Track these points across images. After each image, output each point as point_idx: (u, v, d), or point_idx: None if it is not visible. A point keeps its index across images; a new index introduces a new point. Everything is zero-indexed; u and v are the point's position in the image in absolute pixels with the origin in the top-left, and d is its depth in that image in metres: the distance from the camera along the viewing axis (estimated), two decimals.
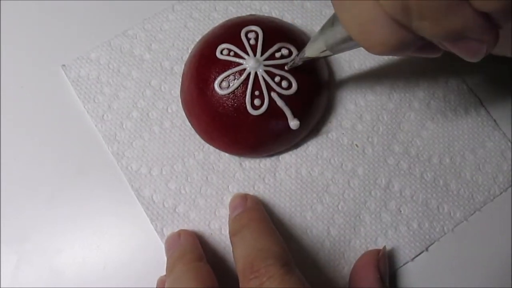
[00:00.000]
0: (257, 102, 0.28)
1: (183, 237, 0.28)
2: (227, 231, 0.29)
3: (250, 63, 0.28)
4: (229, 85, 0.28)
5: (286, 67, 0.29)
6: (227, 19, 0.34)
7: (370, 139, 0.32)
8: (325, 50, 0.24)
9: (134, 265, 0.28)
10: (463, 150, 0.32)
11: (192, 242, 0.28)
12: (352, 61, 0.33)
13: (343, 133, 0.32)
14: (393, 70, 0.33)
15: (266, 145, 0.30)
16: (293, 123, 0.28)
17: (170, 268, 0.26)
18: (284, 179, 0.31)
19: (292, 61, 0.28)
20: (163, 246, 0.29)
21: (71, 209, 0.30)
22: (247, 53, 0.29)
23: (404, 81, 0.33)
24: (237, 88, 0.28)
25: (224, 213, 0.30)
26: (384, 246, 0.29)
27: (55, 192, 0.31)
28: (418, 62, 0.33)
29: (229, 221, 0.28)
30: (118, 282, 0.29)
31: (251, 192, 0.30)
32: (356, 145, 0.32)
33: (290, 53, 0.29)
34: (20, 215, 0.30)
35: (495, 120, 0.32)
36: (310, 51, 0.26)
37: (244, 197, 0.29)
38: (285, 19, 0.33)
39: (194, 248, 0.27)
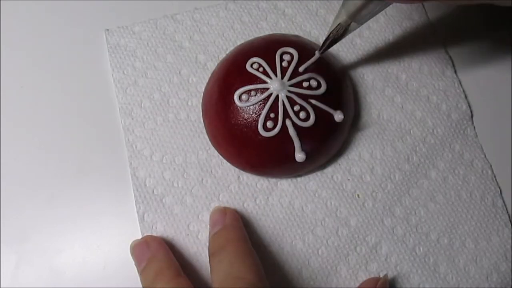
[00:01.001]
0: (269, 124, 0.28)
1: (153, 248, 0.27)
2: (204, 237, 0.29)
3: (274, 84, 0.28)
4: (248, 99, 0.28)
5: (318, 52, 0.28)
6: (274, 32, 0.33)
7: (374, 194, 0.31)
8: (348, 23, 0.26)
9: (134, 265, 0.28)
10: (465, 236, 0.30)
11: (164, 252, 0.27)
12: (382, 111, 0.32)
13: (348, 179, 0.31)
14: (420, 130, 0.32)
15: (267, 168, 0.29)
16: (299, 156, 0.28)
17: (148, 286, 0.26)
18: (275, 206, 0.30)
19: (324, 46, 0.27)
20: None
21: (71, 209, 0.30)
22: (275, 74, 0.28)
23: (428, 147, 0.31)
24: (254, 104, 0.28)
25: (207, 219, 0.30)
26: (386, 275, 0.29)
27: (55, 192, 0.30)
28: (447, 134, 0.32)
29: (209, 236, 0.28)
30: (118, 282, 0.29)
31: (239, 208, 0.30)
32: (358, 195, 0.31)
33: (319, 85, 0.29)
34: (20, 215, 0.30)
35: (509, 216, 0.31)
36: (335, 25, 0.26)
37: (224, 212, 0.28)
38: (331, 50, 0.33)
39: (170, 262, 0.27)
